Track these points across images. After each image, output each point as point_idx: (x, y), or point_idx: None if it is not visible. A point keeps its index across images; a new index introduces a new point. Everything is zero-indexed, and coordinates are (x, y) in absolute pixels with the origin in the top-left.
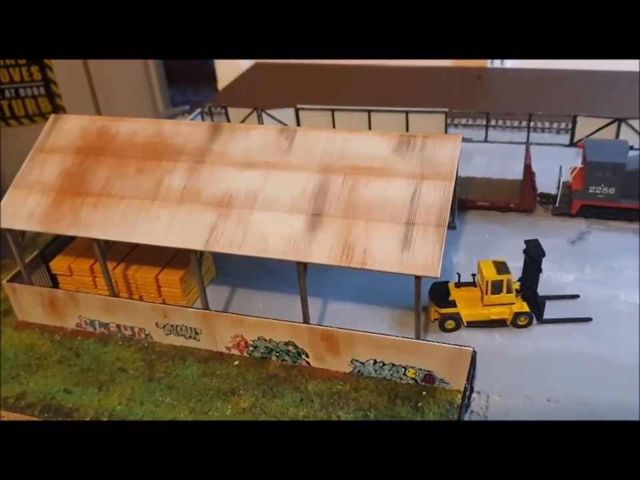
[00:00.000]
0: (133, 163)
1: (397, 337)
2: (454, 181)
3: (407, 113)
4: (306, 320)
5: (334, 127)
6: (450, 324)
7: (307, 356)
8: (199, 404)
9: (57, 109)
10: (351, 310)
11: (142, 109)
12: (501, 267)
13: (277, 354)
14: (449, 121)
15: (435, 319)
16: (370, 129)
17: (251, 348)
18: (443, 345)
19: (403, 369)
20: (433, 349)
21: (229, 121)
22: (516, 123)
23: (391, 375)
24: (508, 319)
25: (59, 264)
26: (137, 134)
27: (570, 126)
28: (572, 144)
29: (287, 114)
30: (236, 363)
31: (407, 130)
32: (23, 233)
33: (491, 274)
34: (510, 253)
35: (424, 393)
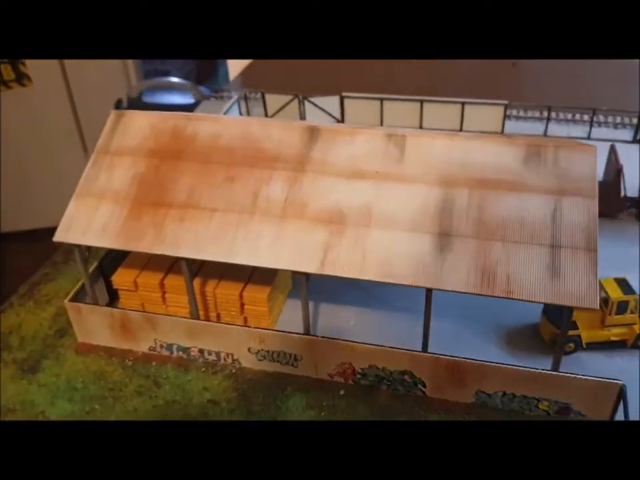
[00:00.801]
0: (221, 170)
1: (534, 369)
2: (597, 199)
3: (462, 104)
4: (425, 348)
5: (382, 117)
6: (570, 346)
7: (424, 386)
8: None
9: (22, 78)
10: (449, 330)
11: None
12: (624, 285)
13: (389, 383)
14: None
15: (551, 340)
16: (422, 120)
17: (358, 376)
18: (589, 378)
19: (536, 401)
20: (575, 382)
21: (265, 108)
22: (570, 116)
23: (520, 407)
24: (629, 340)
25: (121, 278)
26: (219, 136)
27: (633, 121)
28: (635, 140)
29: (330, 102)
30: (342, 392)
31: (462, 122)
32: (88, 248)
33: (616, 294)
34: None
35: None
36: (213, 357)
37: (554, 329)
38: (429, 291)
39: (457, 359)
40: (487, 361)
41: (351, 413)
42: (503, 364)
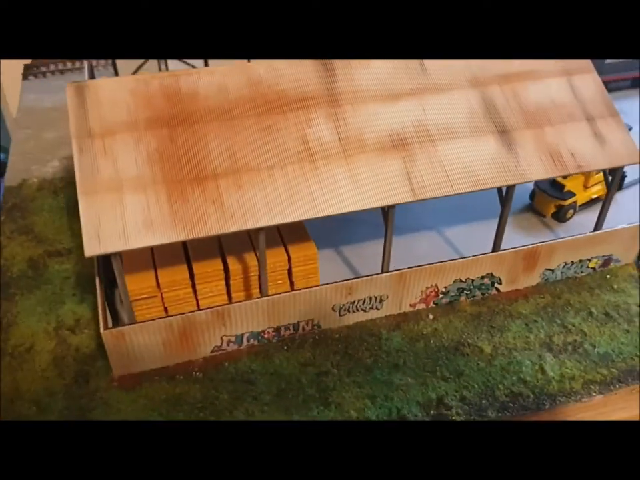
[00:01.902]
0: (250, 123)
1: (585, 233)
2: (595, 72)
3: None
4: (498, 248)
5: None
6: (570, 213)
7: (500, 282)
8: (447, 368)
9: None
10: (473, 231)
11: None
12: None
13: (468, 292)
14: None
15: (553, 213)
16: None
17: (440, 296)
18: (626, 227)
19: (588, 261)
20: (616, 234)
21: (116, 72)
22: None
23: (574, 272)
24: (602, 196)
25: (139, 285)
26: (225, 87)
27: None
28: None
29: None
30: (430, 316)
31: None
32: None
33: None
34: None
35: (608, 276)
36: (290, 331)
37: (557, 201)
38: (511, 188)
39: (532, 246)
40: (554, 239)
41: (450, 331)
42: (564, 237)
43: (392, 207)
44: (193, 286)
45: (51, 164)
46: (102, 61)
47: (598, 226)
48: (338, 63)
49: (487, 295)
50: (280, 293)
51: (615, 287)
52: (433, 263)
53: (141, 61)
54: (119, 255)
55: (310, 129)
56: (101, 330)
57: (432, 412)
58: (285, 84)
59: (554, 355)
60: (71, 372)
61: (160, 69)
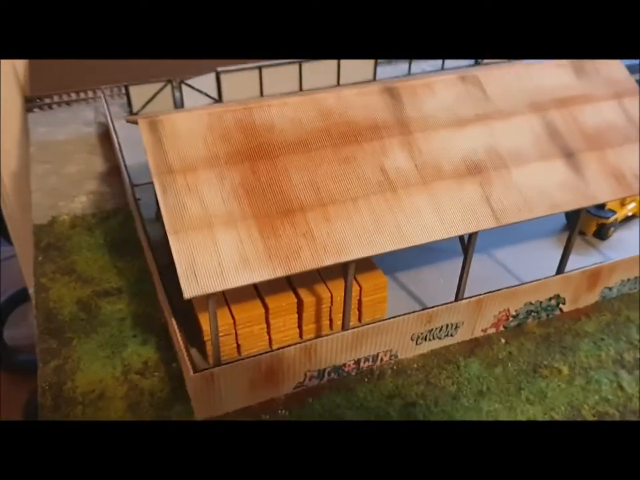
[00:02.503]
0: (329, 155)
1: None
2: None
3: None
4: (563, 269)
5: (261, 85)
6: (611, 231)
7: (564, 303)
8: (530, 391)
9: None
10: (522, 252)
11: None
12: None
13: (535, 313)
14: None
15: (595, 232)
16: (301, 81)
17: (510, 319)
18: None
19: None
20: None
21: (130, 103)
22: None
23: (628, 288)
24: (637, 213)
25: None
26: (298, 120)
27: None
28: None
29: (206, 81)
30: (502, 340)
31: (339, 77)
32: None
33: None
34: None
35: None
36: (369, 363)
37: (600, 220)
38: (578, 211)
39: (596, 265)
40: (615, 259)
41: (524, 354)
42: (622, 258)
43: (475, 233)
44: (266, 320)
45: (79, 199)
46: (112, 91)
47: None
48: (403, 90)
49: (551, 315)
50: (364, 325)
51: None
52: (507, 288)
53: (157, 88)
54: (215, 295)
55: (387, 159)
56: (189, 374)
57: None
58: (354, 113)
59: (628, 372)
60: (150, 418)
61: (174, 99)
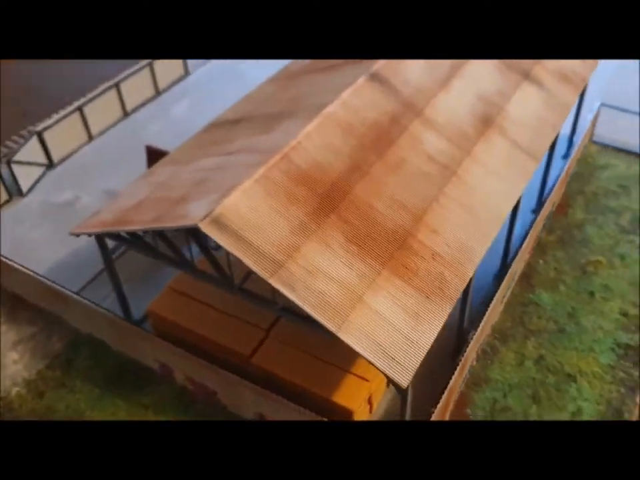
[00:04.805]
0: (380, 168)
1: None
2: None
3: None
4: None
5: (87, 125)
6: None
7: None
8: None
9: None
10: None
11: None
12: None
13: None
14: None
15: None
16: (123, 104)
17: None
18: None
19: None
20: None
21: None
22: None
23: None
24: None
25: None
26: (331, 144)
27: None
28: None
29: (31, 149)
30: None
31: (156, 85)
32: None
33: None
34: None
35: None
36: None
37: None
38: None
39: None
40: None
41: None
42: None
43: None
44: None
45: None
46: None
47: None
48: (383, 72)
49: None
50: None
51: None
52: None
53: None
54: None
55: (424, 145)
56: None
57: None
58: (368, 115)
59: None
60: None
61: (5, 184)
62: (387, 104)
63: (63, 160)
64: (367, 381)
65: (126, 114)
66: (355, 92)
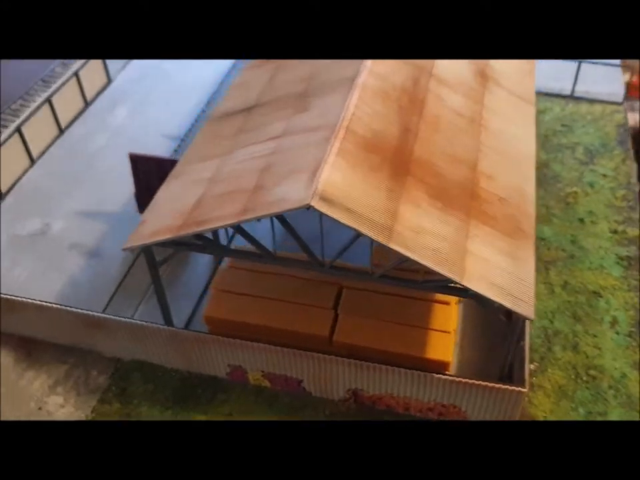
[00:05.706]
0: (425, 129)
1: None
2: None
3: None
4: None
5: (28, 150)
6: None
7: None
8: None
9: None
10: None
11: None
12: None
13: None
14: None
15: None
16: (57, 120)
17: None
18: None
19: None
20: None
21: None
22: None
23: None
24: None
25: None
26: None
27: None
28: None
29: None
30: None
31: (84, 96)
32: None
33: None
34: None
35: None
36: None
37: None
38: None
39: None
40: None
41: None
42: None
43: None
44: None
45: None
46: None
47: None
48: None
49: None
50: None
51: None
52: None
53: None
54: None
55: (448, 101)
56: None
57: None
58: (389, 84)
59: None
60: None
61: None
62: (405, 68)
63: (10, 189)
64: (448, 333)
65: (61, 130)
66: (374, 60)
